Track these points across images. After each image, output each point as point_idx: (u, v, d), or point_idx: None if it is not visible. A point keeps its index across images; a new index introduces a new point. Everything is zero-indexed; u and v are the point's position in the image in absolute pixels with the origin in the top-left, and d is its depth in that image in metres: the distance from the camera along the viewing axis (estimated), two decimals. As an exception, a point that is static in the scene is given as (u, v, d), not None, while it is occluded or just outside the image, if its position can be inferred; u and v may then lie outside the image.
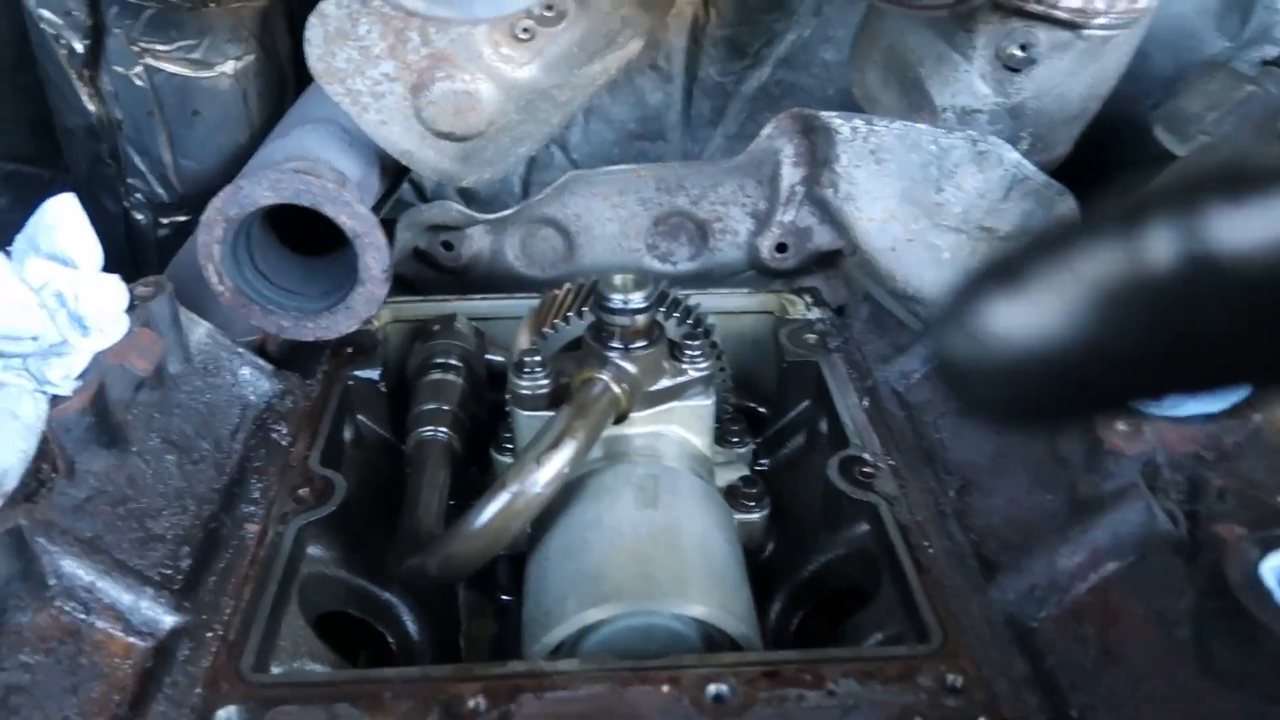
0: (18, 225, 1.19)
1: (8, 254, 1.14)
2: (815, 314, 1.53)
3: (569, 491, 1.11)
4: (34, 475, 0.97)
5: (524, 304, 1.59)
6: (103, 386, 1.07)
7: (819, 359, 1.42)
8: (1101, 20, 1.31)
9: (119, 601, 0.96)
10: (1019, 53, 1.40)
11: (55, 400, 1.02)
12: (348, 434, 1.38)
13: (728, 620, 0.98)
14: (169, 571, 1.04)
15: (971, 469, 1.13)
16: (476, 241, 1.71)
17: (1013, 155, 1.40)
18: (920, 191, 1.48)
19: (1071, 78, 1.40)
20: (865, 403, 1.32)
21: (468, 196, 1.88)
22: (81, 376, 1.05)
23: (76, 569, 0.95)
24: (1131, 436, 0.93)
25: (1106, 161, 1.54)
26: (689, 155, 1.97)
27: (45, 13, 1.50)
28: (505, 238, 1.72)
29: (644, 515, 1.06)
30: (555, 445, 1.05)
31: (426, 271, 1.75)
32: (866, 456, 1.21)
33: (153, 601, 0.98)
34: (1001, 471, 1.09)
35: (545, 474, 1.04)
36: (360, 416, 1.42)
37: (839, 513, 1.18)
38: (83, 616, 0.95)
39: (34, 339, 1.03)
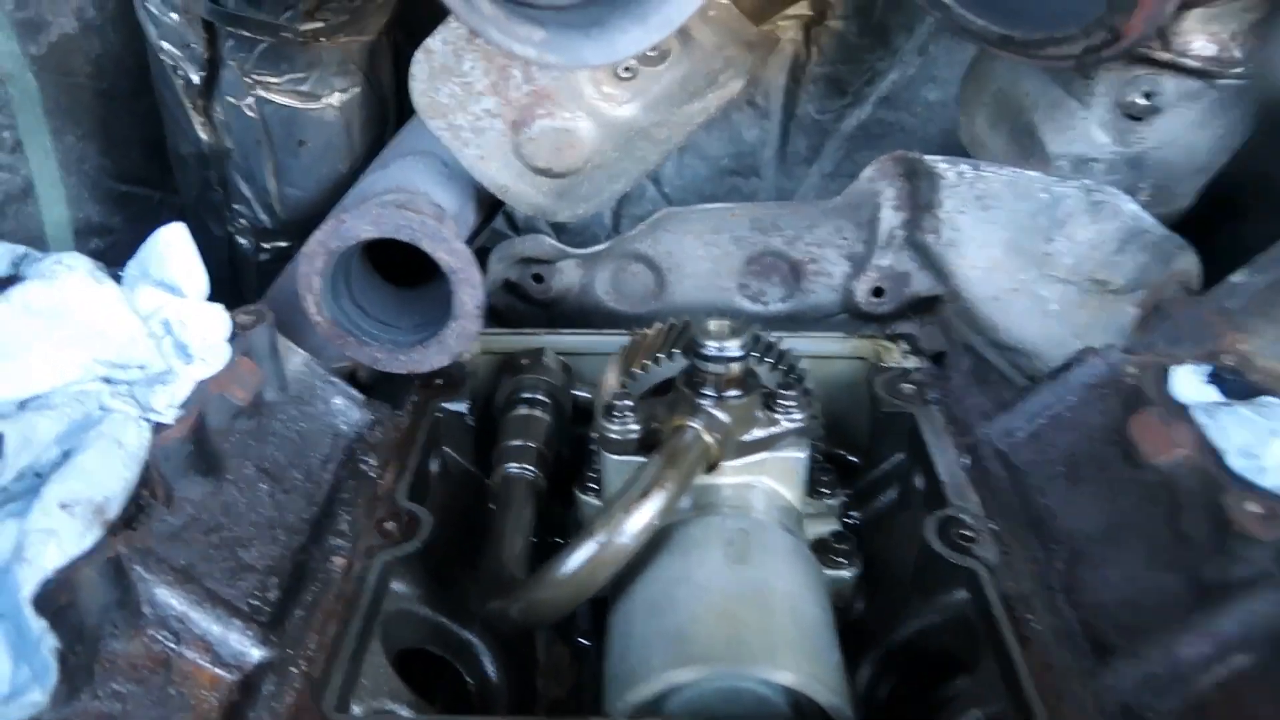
0: (130, 243, 1.23)
1: (119, 279, 1.17)
2: (912, 362, 1.48)
3: (655, 542, 1.08)
4: (134, 502, 0.99)
5: (612, 340, 1.58)
6: (203, 415, 1.09)
7: (915, 410, 1.37)
8: (1237, 70, 1.24)
9: (209, 633, 0.97)
10: (1142, 101, 1.34)
11: (158, 428, 1.04)
12: (434, 466, 1.38)
13: (818, 689, 0.94)
14: (257, 603, 1.04)
15: (1082, 539, 1.06)
16: (567, 275, 1.71)
17: (1131, 206, 1.34)
18: (1028, 240, 1.42)
19: (1200, 129, 1.34)
20: (965, 460, 1.26)
21: (558, 228, 1.88)
22: (183, 405, 1.07)
23: (170, 598, 0.96)
24: (1267, 521, 0.87)
25: (1232, 213, 1.47)
26: (783, 193, 1.94)
27: (166, 45, 1.56)
28: (596, 272, 1.71)
29: (733, 572, 1.03)
30: (645, 495, 1.03)
31: (516, 303, 1.75)
32: (966, 518, 1.16)
33: (241, 634, 0.98)
34: (1116, 544, 1.03)
35: (634, 524, 1.02)
36: (446, 449, 1.42)
37: (935, 577, 1.12)
38: (173, 646, 0.95)
39: (141, 367, 1.06)
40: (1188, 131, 1.35)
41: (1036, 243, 1.42)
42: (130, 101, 1.74)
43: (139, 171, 1.81)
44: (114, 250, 1.76)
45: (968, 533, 1.13)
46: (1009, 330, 1.50)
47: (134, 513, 0.99)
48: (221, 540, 1.07)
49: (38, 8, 1.63)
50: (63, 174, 1.66)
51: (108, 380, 1.06)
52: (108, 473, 0.94)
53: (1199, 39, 1.29)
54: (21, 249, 1.17)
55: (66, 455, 0.96)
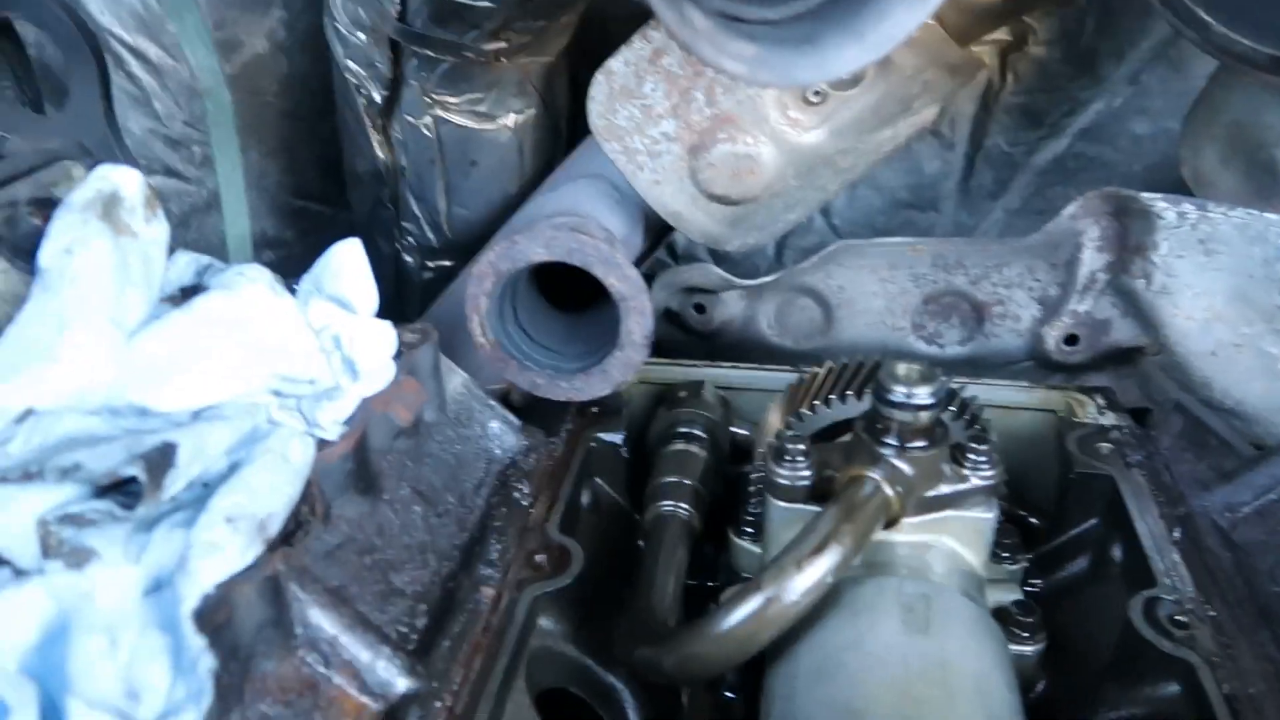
0: (301, 255, 1.24)
1: (294, 292, 1.18)
2: (1110, 419, 1.34)
3: (823, 600, 1.00)
4: (293, 518, 0.98)
5: (774, 376, 1.51)
6: (365, 434, 1.07)
7: (1115, 473, 1.23)
8: None
9: (358, 658, 0.94)
10: None
11: (321, 444, 1.03)
12: (585, 498, 1.34)
13: (1009, 788, 0.83)
14: (405, 630, 1.01)
15: (1332, 643, 0.91)
16: (730, 306, 1.65)
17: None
18: (1259, 291, 1.26)
19: None
20: (1176, 534, 1.12)
21: (718, 257, 1.82)
22: (348, 421, 1.06)
23: (322, 620, 0.93)
24: None
25: None
26: (962, 228, 1.82)
27: (351, 64, 1.59)
28: (760, 304, 1.64)
29: (913, 643, 0.93)
30: (819, 550, 0.95)
31: (675, 333, 1.70)
32: (1179, 601, 1.02)
33: (389, 662, 0.95)
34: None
35: (805, 581, 0.94)
36: (599, 480, 1.37)
37: (1139, 665, 0.99)
38: (322, 670, 0.93)
39: (311, 382, 1.05)
40: None
41: (1269, 294, 1.26)
42: (312, 121, 1.80)
43: (314, 188, 1.87)
44: (287, 262, 1.81)
45: (1181, 617, 1.00)
46: (1226, 389, 1.33)
47: (293, 528, 0.98)
48: (374, 562, 1.05)
49: (234, 28, 1.71)
50: (246, 188, 1.73)
51: (277, 393, 1.06)
52: (272, 489, 0.93)
53: None
54: (205, 259, 1.20)
55: (233, 467, 0.96)
